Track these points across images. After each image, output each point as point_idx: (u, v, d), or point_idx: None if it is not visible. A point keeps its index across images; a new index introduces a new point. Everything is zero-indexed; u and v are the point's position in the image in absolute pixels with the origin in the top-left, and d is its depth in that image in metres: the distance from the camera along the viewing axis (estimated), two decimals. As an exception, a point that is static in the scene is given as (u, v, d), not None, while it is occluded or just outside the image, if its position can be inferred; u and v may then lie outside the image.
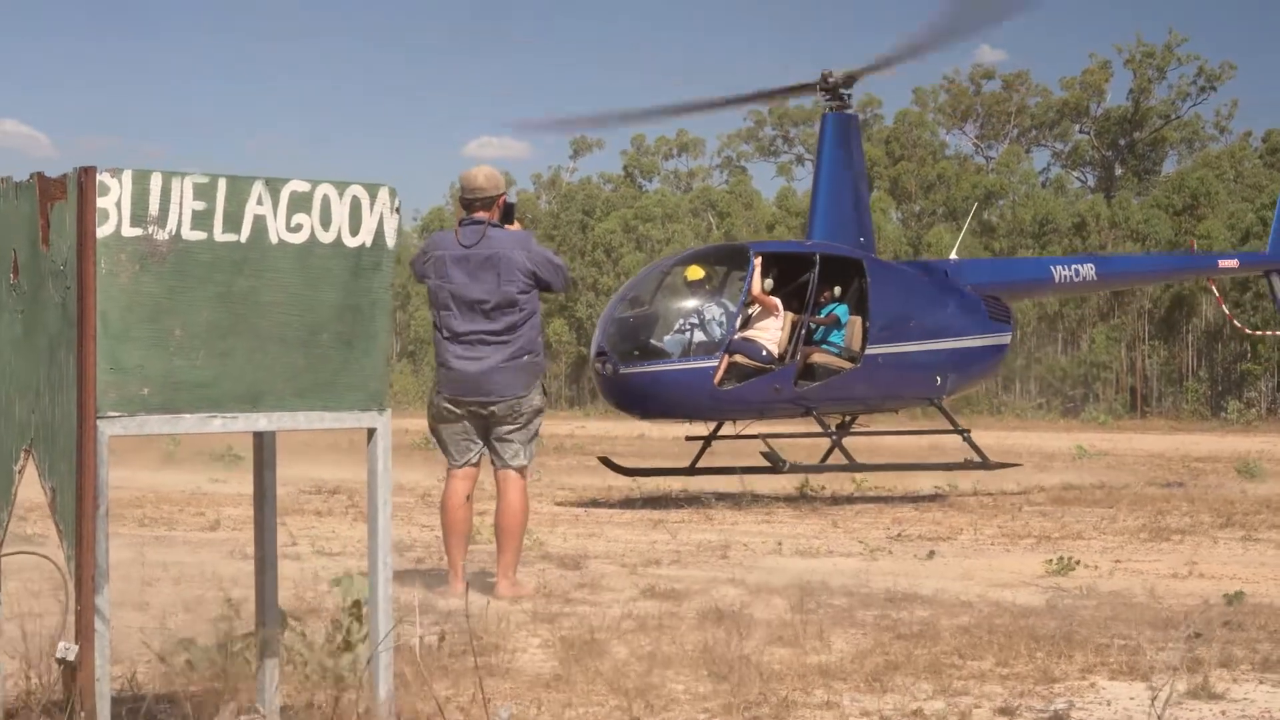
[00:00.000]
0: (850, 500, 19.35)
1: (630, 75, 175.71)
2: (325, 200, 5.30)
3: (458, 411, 9.76)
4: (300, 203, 5.26)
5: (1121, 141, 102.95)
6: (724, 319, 19.05)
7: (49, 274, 5.04)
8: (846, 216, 21.57)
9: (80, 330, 4.91)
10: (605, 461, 20.66)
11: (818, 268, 19.71)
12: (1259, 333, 38.13)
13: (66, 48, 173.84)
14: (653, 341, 19.07)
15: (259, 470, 5.70)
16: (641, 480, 20.65)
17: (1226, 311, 34.46)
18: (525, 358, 9.77)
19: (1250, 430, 67.43)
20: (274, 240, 5.21)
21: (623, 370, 18.57)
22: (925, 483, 22.52)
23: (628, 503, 18.72)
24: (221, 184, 5.12)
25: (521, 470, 9.87)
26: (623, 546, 13.09)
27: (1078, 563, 11.22)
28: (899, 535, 14.30)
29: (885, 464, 22.00)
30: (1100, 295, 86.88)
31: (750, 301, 19.19)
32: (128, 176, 4.95)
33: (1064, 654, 7.49)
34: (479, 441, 9.84)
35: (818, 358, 19.94)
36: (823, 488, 21.14)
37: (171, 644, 6.80)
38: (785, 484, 21.60)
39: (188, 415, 5.08)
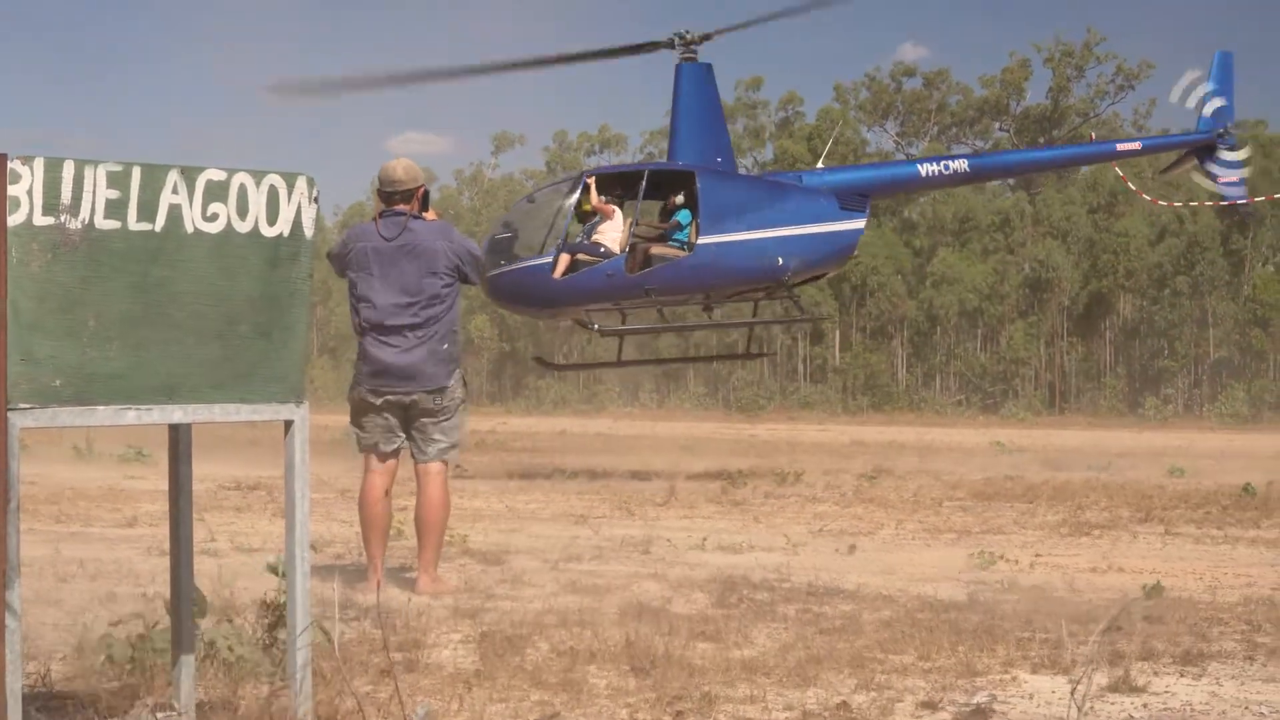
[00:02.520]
0: (774, 497, 19.31)
1: (552, 68, 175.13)
2: (242, 189, 5.22)
3: (378, 403, 9.69)
4: (216, 192, 5.18)
5: (1041, 139, 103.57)
6: (561, 227, 22.86)
7: (-41, 263, 4.94)
8: (704, 143, 24.52)
9: (-9, 320, 4.82)
10: (539, 360, 28.54)
11: (645, 181, 23.70)
12: (1173, 204, 35.60)
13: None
14: (509, 250, 23.19)
15: (174, 463, 5.61)
16: (563, 469, 20.72)
17: (1145, 195, 33.66)
18: (445, 348, 9.73)
19: (1167, 426, 68.07)
20: (189, 229, 5.13)
21: (490, 274, 22.41)
22: (848, 479, 22.57)
23: (550, 499, 18.63)
24: (136, 172, 5.03)
25: (444, 463, 9.80)
26: (545, 542, 13.02)
27: (999, 557, 11.24)
28: (820, 530, 14.29)
29: (697, 324, 27.69)
30: (1019, 292, 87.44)
31: (592, 211, 22.96)
32: (39, 164, 4.86)
33: (986, 647, 7.49)
34: (399, 435, 9.78)
35: (655, 250, 23.45)
36: (745, 482, 21.12)
37: (87, 640, 6.70)
38: (709, 482, 21.63)
39: (101, 407, 4.99)
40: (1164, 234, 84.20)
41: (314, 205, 5.37)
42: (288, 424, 5.36)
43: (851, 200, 24.58)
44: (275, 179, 5.29)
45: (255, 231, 5.25)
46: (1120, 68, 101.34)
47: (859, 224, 24.87)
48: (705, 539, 12.90)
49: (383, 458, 9.78)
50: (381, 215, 9.73)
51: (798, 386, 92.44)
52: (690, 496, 18.91)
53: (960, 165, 27.19)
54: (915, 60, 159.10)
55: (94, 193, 4.96)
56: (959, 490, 20.43)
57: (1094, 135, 30.37)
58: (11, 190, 4.83)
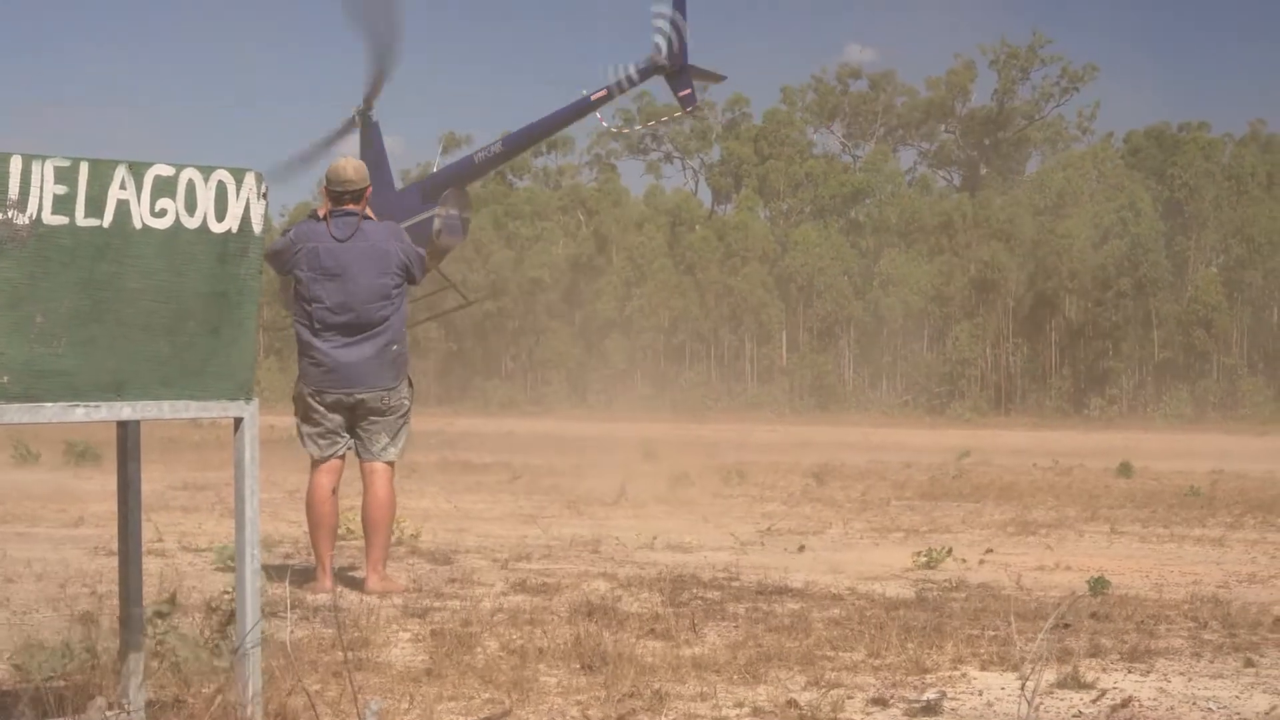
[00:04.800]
0: (722, 496, 19.32)
1: (500, 69, 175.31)
2: (190, 185, 5.19)
3: (325, 402, 9.65)
4: (165, 187, 5.14)
5: (986, 141, 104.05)
6: None
7: (-97, 258, 4.89)
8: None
9: (-63, 317, 4.78)
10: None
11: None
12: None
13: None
14: None
15: (122, 461, 5.57)
16: (511, 466, 20.68)
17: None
18: (394, 348, 9.71)
19: (1112, 427, 68.46)
20: (138, 225, 5.09)
21: None
22: (796, 479, 22.62)
23: (498, 499, 18.59)
24: (83, 168, 4.99)
25: (390, 463, 9.78)
26: (494, 542, 13.00)
27: (947, 553, 11.27)
28: (769, 530, 14.31)
29: None
30: (964, 293, 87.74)
31: None
32: (-14, 160, 4.82)
33: (935, 645, 7.51)
34: (345, 435, 9.74)
35: None
36: (693, 482, 21.12)
37: (34, 639, 6.65)
38: (658, 481, 21.65)
39: (49, 404, 4.96)
40: (1107, 236, 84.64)
41: (263, 201, 5.34)
42: (237, 421, 5.34)
43: (431, 195, 30.06)
44: (224, 174, 5.26)
45: (204, 227, 5.22)
46: (1065, 70, 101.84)
47: (430, 213, 29.65)
48: (655, 538, 12.90)
49: (329, 458, 9.74)
50: (332, 215, 9.69)
51: (745, 387, 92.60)
52: (639, 496, 18.90)
53: (497, 146, 32.28)
54: (861, 62, 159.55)
55: (41, 188, 4.91)
56: (906, 492, 20.49)
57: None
58: (-42, 186, 4.79)
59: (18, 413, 4.91)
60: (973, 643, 7.60)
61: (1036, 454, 36.24)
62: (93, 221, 5.02)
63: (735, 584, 10.02)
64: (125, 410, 5.14)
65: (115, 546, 5.88)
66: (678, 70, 28.52)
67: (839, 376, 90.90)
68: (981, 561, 11.43)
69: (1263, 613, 8.81)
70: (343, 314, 9.57)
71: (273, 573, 10.25)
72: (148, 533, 11.80)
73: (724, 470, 23.70)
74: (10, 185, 4.86)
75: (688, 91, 29.25)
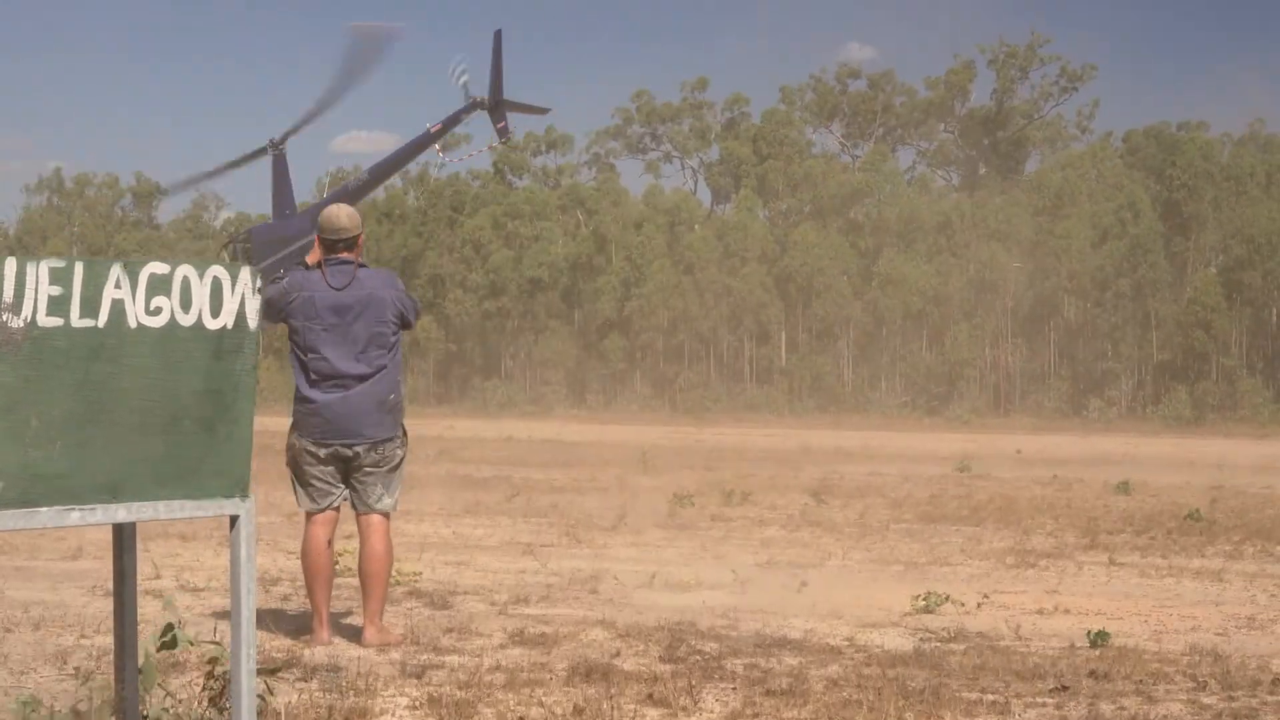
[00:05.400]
0: (721, 519, 19.29)
1: (505, 67, 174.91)
2: (185, 282, 5.17)
3: (320, 454, 9.61)
4: (160, 285, 5.13)
5: (985, 141, 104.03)
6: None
7: (-101, 362, 4.88)
8: (285, 204, 37.74)
9: (-68, 424, 4.76)
10: None
11: None
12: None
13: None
14: None
15: (118, 554, 5.56)
16: (511, 481, 20.62)
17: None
18: (391, 398, 9.68)
19: (1112, 429, 68.49)
20: (133, 324, 5.08)
21: None
22: (795, 498, 22.61)
23: (497, 524, 18.57)
24: (78, 268, 4.98)
25: (386, 515, 9.76)
26: (492, 579, 12.98)
27: (945, 598, 11.24)
28: (768, 562, 14.29)
29: None
30: (962, 294, 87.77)
31: None
32: (-20, 264, 4.81)
33: (933, 714, 7.48)
34: (340, 485, 9.70)
35: None
36: (692, 502, 21.11)
37: (32, 704, 6.64)
38: (657, 498, 21.65)
39: (44, 509, 4.94)
40: (1106, 236, 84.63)
41: (257, 296, 5.33)
42: (233, 519, 5.32)
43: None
44: (219, 270, 5.24)
45: (199, 324, 5.20)
46: (1064, 69, 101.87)
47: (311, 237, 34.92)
48: (654, 576, 12.86)
49: (324, 509, 9.70)
50: (326, 263, 9.66)
51: (744, 388, 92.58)
52: (638, 519, 18.89)
53: (365, 175, 39.23)
54: (861, 60, 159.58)
55: (36, 289, 4.90)
56: (906, 511, 20.48)
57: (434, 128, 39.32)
58: (-48, 292, 4.77)
59: (12, 519, 4.89)
60: (971, 710, 7.57)
61: (1036, 463, 36.25)
62: (88, 322, 5.01)
63: (734, 634, 10.00)
64: (120, 513, 5.13)
65: (112, 586, 5.83)
66: (494, 106, 33.65)
67: (838, 377, 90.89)
68: (980, 605, 11.40)
69: (1262, 669, 8.79)
70: (340, 365, 9.53)
71: (269, 620, 10.24)
72: (144, 568, 11.82)
73: (723, 488, 23.66)
74: (5, 288, 4.85)
75: (503, 124, 34.78)
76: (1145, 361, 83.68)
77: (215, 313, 5.24)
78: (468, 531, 17.54)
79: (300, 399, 9.66)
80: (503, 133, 36.16)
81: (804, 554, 15.29)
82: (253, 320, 5.29)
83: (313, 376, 9.58)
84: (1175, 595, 12.45)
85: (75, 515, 5.02)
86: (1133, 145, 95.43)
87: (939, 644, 9.72)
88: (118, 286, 5.06)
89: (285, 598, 11.78)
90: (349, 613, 10.75)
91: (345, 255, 9.68)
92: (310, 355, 9.57)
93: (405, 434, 9.87)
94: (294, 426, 9.75)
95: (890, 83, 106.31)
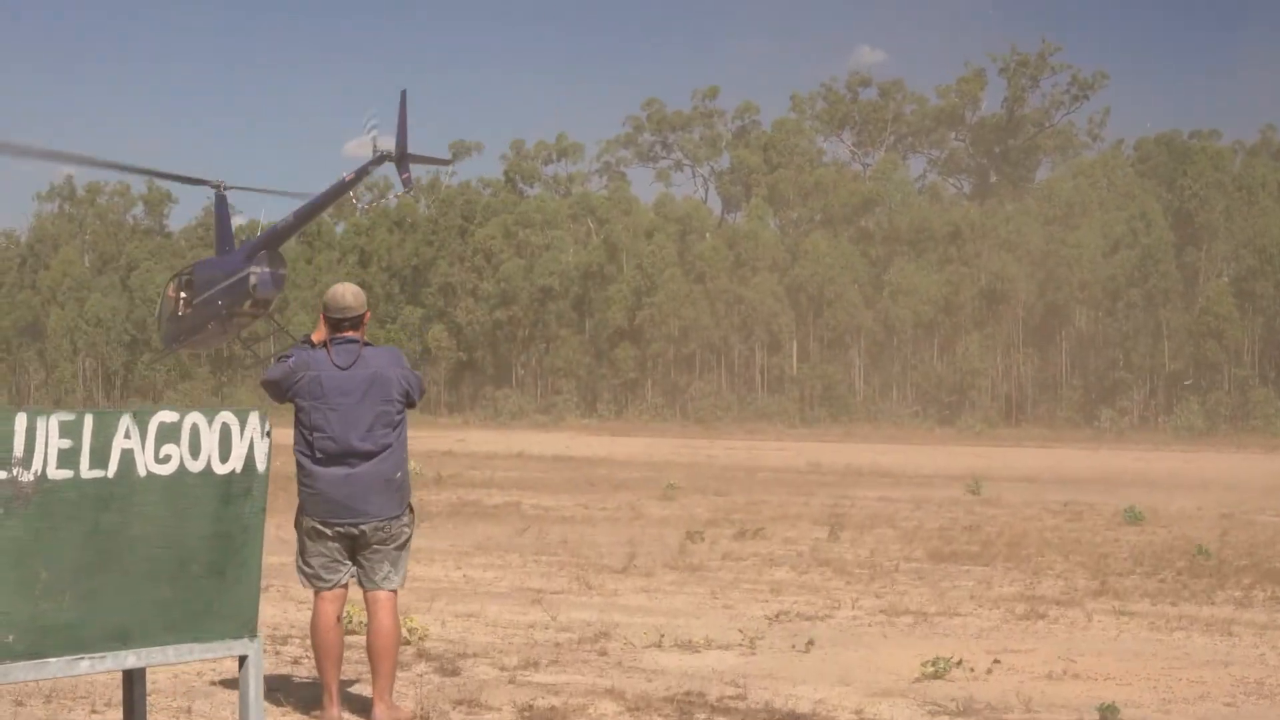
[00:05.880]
0: (731, 558, 19.30)
1: (510, 77, 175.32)
2: (194, 429, 5.22)
3: (327, 533, 9.65)
4: (168, 433, 5.18)
5: (996, 149, 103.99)
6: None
7: (-91, 517, 4.92)
8: (225, 240, 43.72)
9: (-57, 580, 4.80)
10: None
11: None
12: None
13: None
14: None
15: (128, 711, 5.60)
16: (521, 512, 20.63)
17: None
18: (397, 476, 9.70)
19: (1124, 440, 68.45)
20: (142, 473, 5.13)
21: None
22: (806, 530, 22.64)
23: (508, 564, 18.59)
24: (88, 420, 5.03)
25: (393, 592, 9.79)
26: (502, 636, 13.01)
27: (955, 663, 11.26)
28: (778, 616, 14.30)
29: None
30: (974, 303, 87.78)
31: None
32: (-10, 420, 4.85)
33: (941, 812, 7.51)
34: (348, 563, 9.73)
35: None
36: (703, 538, 21.14)
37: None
38: (668, 532, 21.69)
39: (53, 659, 4.99)
40: (1118, 246, 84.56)
41: (266, 439, 5.37)
42: (242, 659, 5.36)
43: (251, 254, 40.41)
44: (227, 416, 5.29)
45: (208, 470, 5.25)
46: (1075, 78, 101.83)
47: (248, 270, 39.94)
48: (662, 635, 12.88)
49: (332, 586, 9.74)
50: (332, 342, 9.69)
51: (755, 397, 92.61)
52: (648, 558, 18.93)
53: (291, 217, 42.31)
54: (872, 64, 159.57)
55: (46, 443, 4.95)
56: (916, 547, 20.50)
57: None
58: (-37, 449, 4.81)
59: (21, 671, 4.95)
60: (979, 807, 7.60)
61: (1048, 482, 36.27)
62: (97, 473, 5.06)
63: (743, 705, 10.04)
64: (130, 659, 5.18)
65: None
66: (400, 159, 37.63)
67: (849, 386, 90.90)
68: (989, 671, 11.41)
69: (1270, 751, 8.82)
70: (346, 443, 9.56)
71: (280, 688, 10.28)
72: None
73: (734, 519, 23.70)
74: (15, 443, 4.90)
75: (407, 175, 38.59)
76: (1157, 371, 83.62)
77: (224, 457, 5.29)
78: (478, 574, 17.56)
79: (306, 477, 9.68)
80: (406, 183, 39.71)
81: (813, 602, 15.30)
82: (261, 463, 5.34)
83: (319, 455, 9.60)
84: (1184, 654, 12.45)
85: (85, 664, 5.07)
86: (1144, 153, 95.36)
87: (948, 718, 9.76)
88: (127, 436, 5.11)
89: (296, 661, 11.81)
90: (358, 679, 10.78)
91: (351, 334, 9.71)
92: (316, 434, 9.59)
93: (412, 511, 9.90)
94: (300, 505, 9.78)
95: (901, 91, 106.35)
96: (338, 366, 9.62)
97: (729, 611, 14.72)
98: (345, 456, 9.58)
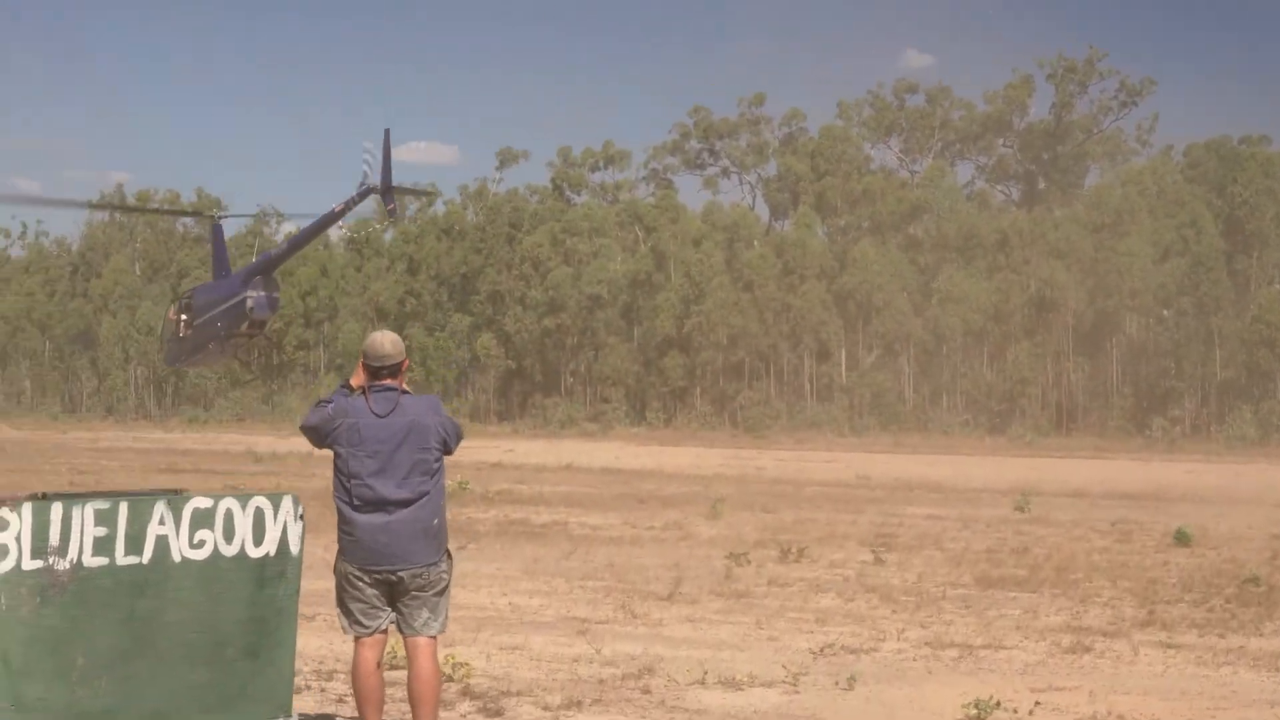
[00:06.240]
0: (777, 584, 19.25)
1: (557, 84, 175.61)
2: (228, 514, 5.26)
3: (366, 579, 9.66)
4: (203, 518, 5.21)
5: (1045, 155, 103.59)
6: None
7: (-52, 606, 4.96)
8: (222, 266, 44.91)
9: (-21, 669, 4.84)
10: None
11: None
12: None
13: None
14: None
15: (163, 794, 5.62)
16: (569, 533, 20.63)
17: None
18: (435, 523, 9.70)
19: (1175, 450, 68.08)
20: (177, 559, 5.16)
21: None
22: (852, 552, 22.60)
23: (554, 591, 18.58)
24: (123, 508, 5.06)
25: (433, 638, 9.81)
26: (546, 671, 13.02)
27: (996, 704, 11.21)
28: (822, 650, 14.26)
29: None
30: (1023, 311, 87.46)
31: None
32: (28, 510, 4.89)
33: None
34: (387, 609, 9.75)
35: None
36: (749, 560, 21.11)
37: None
38: (714, 553, 21.67)
39: (90, 746, 5.01)
40: (1168, 253, 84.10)
41: (300, 522, 5.40)
42: (276, 741, 5.38)
43: (247, 279, 41.78)
44: (261, 500, 5.33)
45: (242, 554, 5.29)
46: (1123, 84, 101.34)
47: (245, 293, 41.09)
48: (706, 672, 12.85)
49: (372, 632, 9.76)
50: (371, 389, 9.72)
51: (805, 405, 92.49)
52: (694, 584, 18.91)
53: (284, 245, 46.72)
54: (920, 68, 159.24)
55: (81, 531, 4.98)
56: (963, 571, 20.44)
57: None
58: (0, 538, 4.85)
59: (59, 759, 4.96)
60: None
61: (1098, 496, 36.12)
62: (132, 559, 5.09)
63: (784, 751, 10.03)
64: (165, 744, 5.20)
65: None
66: (385, 191, 39.58)
67: (899, 394, 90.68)
68: (1031, 713, 11.36)
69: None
70: (384, 490, 9.58)
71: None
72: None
73: (780, 540, 23.65)
74: (51, 532, 4.93)
75: (392, 206, 41.17)
76: (1209, 379, 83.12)
77: (258, 541, 5.32)
78: (524, 601, 17.57)
79: (345, 524, 9.71)
80: (391, 213, 44.05)
81: (859, 633, 15.25)
82: (295, 546, 5.36)
83: (357, 502, 9.62)
84: (1231, 692, 12.37)
85: (121, 751, 5.08)
86: (1193, 159, 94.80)
87: (990, 769, 9.73)
88: (161, 523, 5.14)
89: (341, 699, 11.80)
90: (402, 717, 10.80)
91: (389, 381, 9.74)
92: (354, 481, 9.61)
93: (450, 557, 9.91)
94: (340, 552, 9.80)
95: (948, 97, 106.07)
96: (376, 414, 9.64)
97: (774, 644, 14.69)
98: (383, 504, 9.59)
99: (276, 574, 5.32)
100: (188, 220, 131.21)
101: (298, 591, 5.37)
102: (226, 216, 49.50)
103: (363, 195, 42.42)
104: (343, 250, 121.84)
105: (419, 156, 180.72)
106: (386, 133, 41.58)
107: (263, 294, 42.59)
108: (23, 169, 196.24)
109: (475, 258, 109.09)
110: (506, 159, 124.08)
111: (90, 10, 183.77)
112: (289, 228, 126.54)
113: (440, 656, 12.47)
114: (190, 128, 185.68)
